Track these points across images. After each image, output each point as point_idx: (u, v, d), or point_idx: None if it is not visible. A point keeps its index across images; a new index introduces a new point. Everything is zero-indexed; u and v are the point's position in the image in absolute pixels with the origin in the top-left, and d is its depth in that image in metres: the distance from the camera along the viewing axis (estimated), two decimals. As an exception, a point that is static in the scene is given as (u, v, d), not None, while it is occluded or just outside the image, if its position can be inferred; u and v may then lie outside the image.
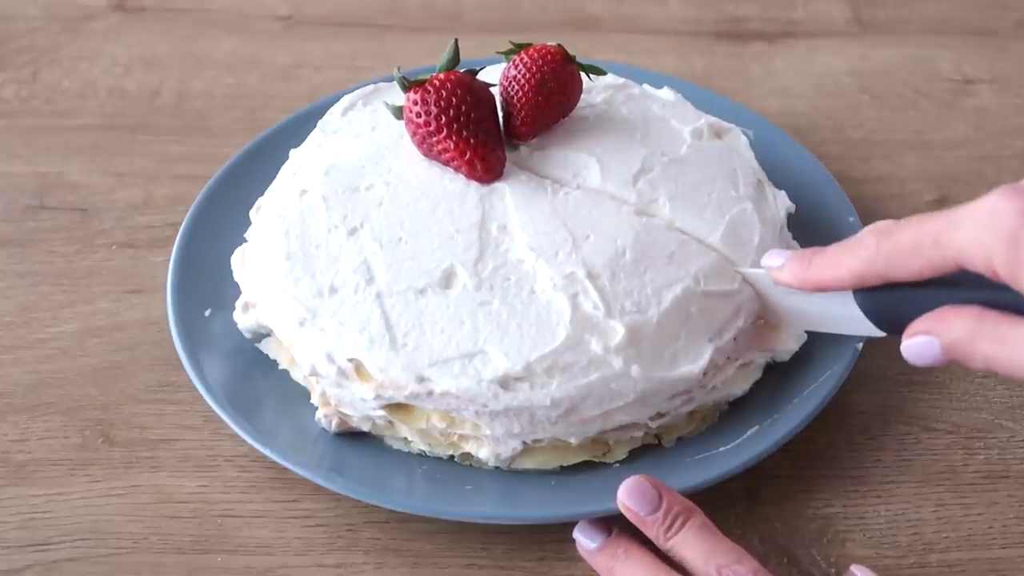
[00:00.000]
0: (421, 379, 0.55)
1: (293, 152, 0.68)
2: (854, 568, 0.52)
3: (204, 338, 0.62)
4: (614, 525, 0.54)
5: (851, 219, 0.68)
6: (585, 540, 0.54)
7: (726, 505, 0.58)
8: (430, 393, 0.55)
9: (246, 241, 0.66)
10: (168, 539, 0.57)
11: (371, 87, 0.70)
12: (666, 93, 0.69)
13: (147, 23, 0.91)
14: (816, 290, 0.51)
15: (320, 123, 0.68)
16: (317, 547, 0.57)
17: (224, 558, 0.56)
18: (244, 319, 0.62)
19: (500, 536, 0.57)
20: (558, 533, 0.57)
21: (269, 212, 0.64)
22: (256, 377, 0.62)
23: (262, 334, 0.63)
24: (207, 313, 0.64)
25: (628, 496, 0.52)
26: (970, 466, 0.61)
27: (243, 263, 0.64)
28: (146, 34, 0.90)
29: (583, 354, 0.55)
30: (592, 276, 0.57)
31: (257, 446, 0.57)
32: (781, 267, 0.52)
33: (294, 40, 0.90)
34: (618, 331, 0.56)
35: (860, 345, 0.61)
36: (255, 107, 0.82)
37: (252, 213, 0.67)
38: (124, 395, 0.63)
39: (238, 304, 0.63)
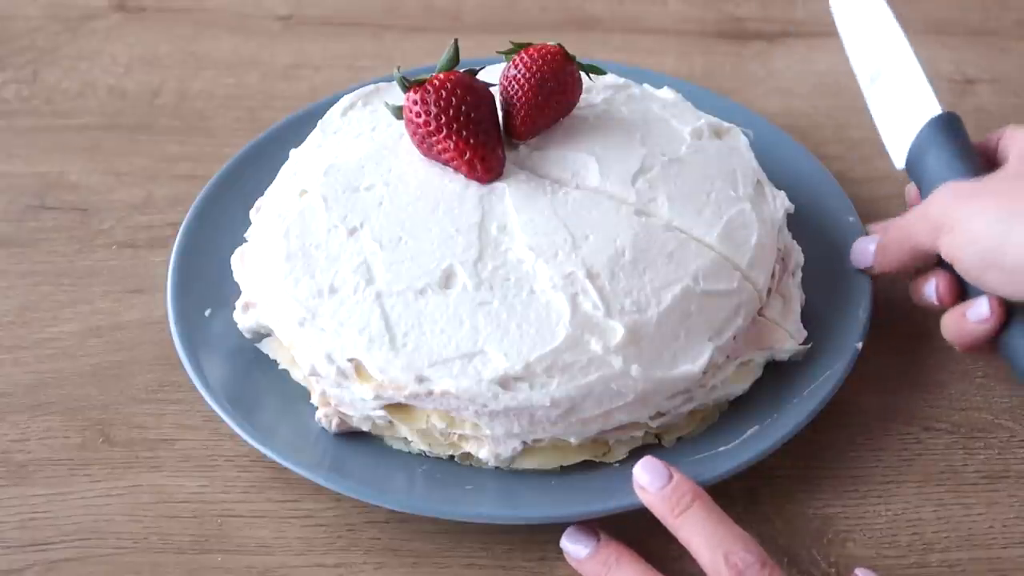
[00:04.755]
0: (421, 379, 0.55)
1: (293, 152, 0.68)
2: (858, 571, 0.52)
3: (204, 338, 0.62)
4: (602, 531, 0.54)
5: (851, 219, 0.68)
6: (574, 548, 0.54)
7: (726, 505, 0.58)
8: (430, 393, 0.55)
9: (246, 241, 0.66)
10: (168, 539, 0.57)
11: (371, 87, 0.70)
12: (666, 93, 0.69)
13: (147, 23, 0.91)
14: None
15: (320, 123, 0.68)
16: (317, 547, 0.57)
17: (224, 558, 0.57)
18: (244, 319, 0.62)
19: (500, 536, 0.57)
20: (558, 533, 0.57)
21: (269, 212, 0.64)
22: (256, 377, 0.62)
23: (262, 334, 0.63)
24: (207, 313, 0.64)
25: (642, 471, 0.53)
26: (970, 466, 0.61)
27: (243, 263, 0.64)
28: (146, 34, 0.90)
29: (583, 354, 0.55)
30: (592, 276, 0.57)
31: (258, 446, 0.57)
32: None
33: (294, 40, 0.90)
34: (618, 331, 0.56)
35: (860, 344, 0.62)
36: (255, 107, 0.82)
37: (252, 213, 0.67)
38: (124, 395, 0.63)
39: (238, 304, 0.63)
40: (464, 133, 0.60)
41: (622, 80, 0.69)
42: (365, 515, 0.58)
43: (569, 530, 0.55)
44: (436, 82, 0.59)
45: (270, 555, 0.57)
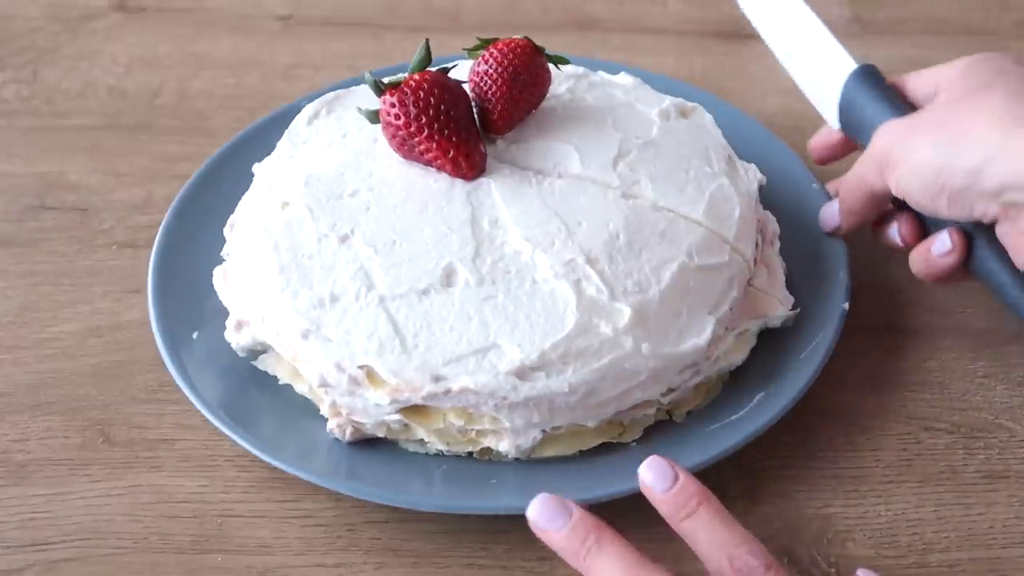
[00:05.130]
0: (437, 378, 0.55)
1: (257, 167, 0.67)
2: (860, 572, 0.52)
3: (195, 360, 0.61)
4: (575, 506, 0.50)
5: (815, 186, 0.71)
6: (543, 521, 0.49)
7: (726, 505, 0.58)
8: (447, 392, 0.55)
9: (224, 260, 0.65)
10: (168, 539, 0.57)
11: (331, 94, 0.69)
12: (624, 78, 0.70)
13: (147, 23, 0.91)
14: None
15: (287, 134, 0.67)
16: (317, 547, 0.57)
17: (224, 558, 0.57)
18: (238, 337, 0.61)
19: (500, 535, 0.57)
20: (558, 533, 0.57)
21: (251, 227, 0.63)
22: (253, 394, 0.61)
23: (258, 351, 0.62)
24: (195, 336, 0.63)
25: (647, 470, 0.51)
26: (970, 466, 0.61)
27: (226, 282, 0.63)
28: (146, 34, 0.90)
29: (594, 338, 0.56)
30: (591, 261, 0.58)
31: (274, 462, 0.57)
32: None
33: (294, 40, 0.90)
34: (624, 312, 0.57)
35: (846, 305, 0.63)
36: (255, 107, 0.82)
37: (226, 231, 0.66)
38: (124, 395, 0.63)
39: (229, 324, 0.62)
40: (446, 132, 0.60)
41: (581, 69, 0.70)
42: (365, 515, 0.58)
43: (538, 501, 0.49)
44: (412, 83, 0.59)
45: (270, 555, 0.57)
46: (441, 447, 0.58)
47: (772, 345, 0.63)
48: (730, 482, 0.57)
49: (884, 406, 0.63)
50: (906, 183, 0.59)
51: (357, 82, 0.70)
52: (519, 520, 0.57)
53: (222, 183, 0.70)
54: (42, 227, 0.73)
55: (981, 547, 0.57)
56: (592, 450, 0.59)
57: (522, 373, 0.55)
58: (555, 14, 0.93)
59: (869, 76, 0.65)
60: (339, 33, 0.90)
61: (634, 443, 0.59)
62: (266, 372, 0.62)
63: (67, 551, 0.57)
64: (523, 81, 0.62)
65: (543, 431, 0.57)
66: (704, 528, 0.50)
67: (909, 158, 0.58)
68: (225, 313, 0.63)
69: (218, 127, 0.81)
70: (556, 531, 0.49)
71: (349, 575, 0.56)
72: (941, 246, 0.60)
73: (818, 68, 0.68)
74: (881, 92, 0.64)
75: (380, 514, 0.58)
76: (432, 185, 0.61)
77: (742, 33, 0.91)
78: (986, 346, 0.66)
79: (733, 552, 0.49)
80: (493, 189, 0.61)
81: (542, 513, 0.50)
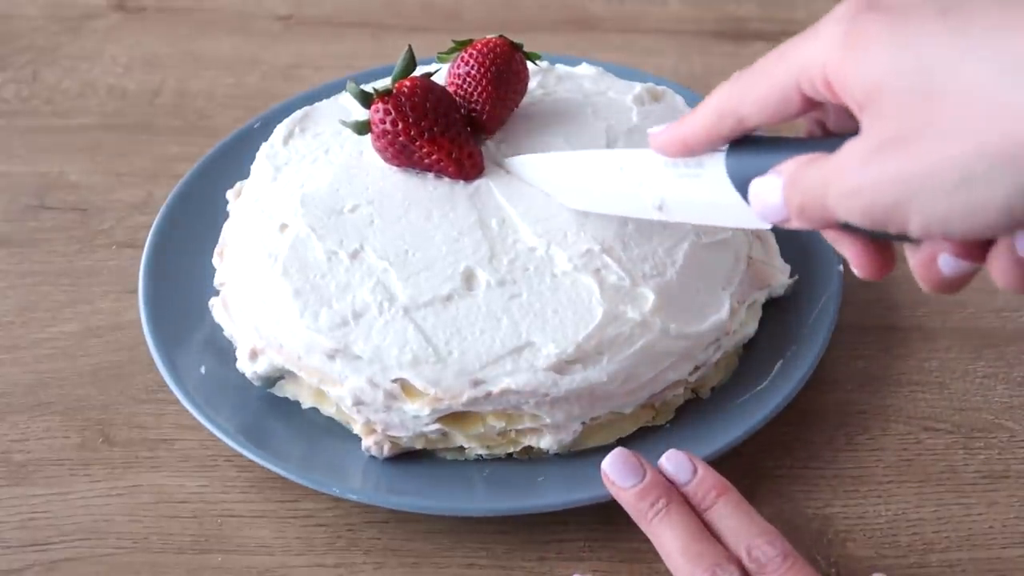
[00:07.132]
0: (476, 383, 0.55)
1: (231, 194, 0.66)
2: None
3: (206, 394, 0.60)
4: (650, 467, 0.53)
5: None
6: (617, 476, 0.53)
7: (726, 505, 0.58)
8: (488, 395, 0.55)
9: (217, 291, 0.64)
10: (168, 539, 0.57)
11: (300, 112, 0.68)
12: (586, 69, 0.70)
13: (147, 23, 0.91)
14: (686, 149, 0.49)
15: (263, 157, 0.66)
16: (317, 547, 0.57)
17: (224, 558, 0.57)
18: (255, 366, 0.59)
19: (500, 536, 0.57)
20: (558, 533, 0.57)
21: (250, 253, 0.61)
22: (269, 422, 0.60)
23: (275, 378, 0.61)
24: (203, 371, 0.62)
25: (667, 464, 0.53)
26: (970, 466, 0.61)
27: (229, 312, 0.62)
28: (146, 34, 0.90)
29: (624, 325, 0.56)
30: (607, 250, 0.58)
31: (319, 488, 0.56)
32: (658, 135, 0.50)
33: (294, 40, 0.90)
34: (648, 297, 0.57)
35: (840, 267, 0.64)
36: (255, 107, 0.82)
37: (215, 260, 0.65)
38: (124, 395, 0.63)
39: (240, 354, 0.60)
40: (447, 134, 0.60)
41: (544, 64, 0.70)
42: (365, 515, 0.58)
43: (613, 457, 0.53)
44: (405, 89, 0.59)
45: (270, 555, 0.57)
46: (481, 451, 0.58)
47: (775, 315, 0.64)
48: (730, 482, 0.57)
49: (884, 406, 0.63)
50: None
51: (319, 96, 0.70)
52: (519, 520, 0.57)
53: (215, 183, 0.70)
54: (42, 227, 0.73)
55: (981, 547, 0.57)
56: (630, 436, 0.59)
57: (560, 368, 0.55)
58: (554, 13, 0.93)
59: (746, 142, 0.49)
60: (339, 33, 0.90)
61: (668, 424, 0.60)
62: (281, 398, 0.61)
63: (67, 551, 0.57)
64: (507, 80, 0.62)
65: (583, 423, 0.57)
66: (724, 518, 0.51)
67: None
68: (224, 341, 0.62)
69: (218, 127, 0.81)
70: (626, 489, 0.52)
71: (349, 575, 0.56)
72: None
73: (696, 191, 0.50)
74: (770, 143, 0.49)
75: (380, 514, 0.58)
76: (432, 192, 0.61)
77: (742, 33, 0.91)
78: (986, 346, 0.66)
79: (752, 542, 0.49)
80: (493, 189, 0.61)
81: (616, 468, 0.53)
